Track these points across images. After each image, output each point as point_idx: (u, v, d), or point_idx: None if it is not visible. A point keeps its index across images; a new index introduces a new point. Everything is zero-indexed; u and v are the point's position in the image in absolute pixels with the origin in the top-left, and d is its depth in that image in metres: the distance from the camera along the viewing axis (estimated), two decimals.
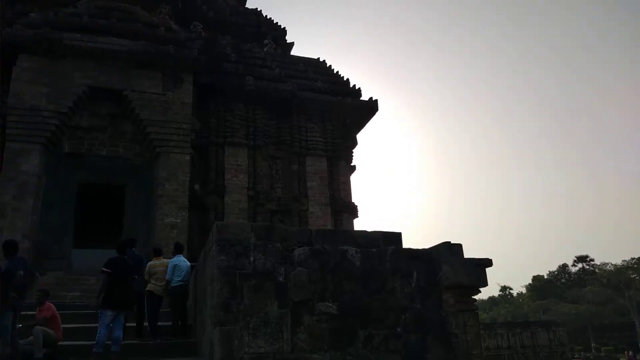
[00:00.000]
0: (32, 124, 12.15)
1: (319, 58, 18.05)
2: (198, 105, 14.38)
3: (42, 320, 6.96)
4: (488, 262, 6.04)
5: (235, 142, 14.60)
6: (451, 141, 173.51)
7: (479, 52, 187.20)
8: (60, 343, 6.94)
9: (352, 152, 16.73)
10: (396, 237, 6.34)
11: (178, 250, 8.23)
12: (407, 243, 6.49)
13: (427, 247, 6.14)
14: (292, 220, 14.73)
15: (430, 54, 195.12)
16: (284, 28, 18.91)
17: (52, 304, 7.27)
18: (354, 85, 16.61)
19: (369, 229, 6.32)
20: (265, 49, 17.26)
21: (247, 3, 20.77)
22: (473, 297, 6.10)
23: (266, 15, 19.39)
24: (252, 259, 5.40)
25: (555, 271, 61.20)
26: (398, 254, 5.92)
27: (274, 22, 19.01)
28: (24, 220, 11.62)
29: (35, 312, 7.23)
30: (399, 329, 5.57)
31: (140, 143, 13.30)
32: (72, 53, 12.70)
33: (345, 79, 16.98)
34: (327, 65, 17.72)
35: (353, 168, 16.85)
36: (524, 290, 66.16)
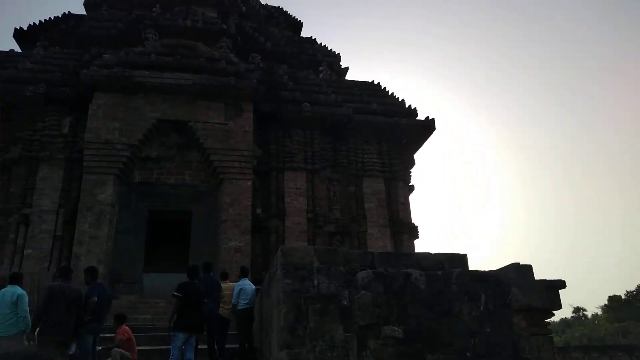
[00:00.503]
0: (107, 156, 13.04)
1: (373, 81, 18.21)
2: (258, 132, 14.88)
3: (119, 343, 7.36)
4: (561, 284, 5.81)
5: (294, 166, 14.90)
6: (517, 152, 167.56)
7: (554, 52, 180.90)
8: None
9: (410, 172, 16.61)
10: (461, 258, 6.24)
11: (243, 273, 8.47)
12: (472, 265, 6.37)
13: (494, 268, 5.99)
14: (351, 241, 14.73)
15: (494, 57, 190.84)
16: (338, 54, 19.30)
17: (127, 327, 7.67)
18: (410, 106, 16.59)
19: (431, 251, 6.26)
20: (320, 76, 17.66)
21: (302, 32, 21.43)
22: (546, 320, 5.86)
23: (320, 43, 19.91)
24: (316, 282, 5.49)
25: (633, 291, 56.92)
26: (464, 277, 5.81)
27: (329, 49, 19.46)
28: (99, 247, 12.36)
29: (113, 335, 7.65)
30: (468, 354, 5.44)
31: (205, 170, 13.91)
32: (143, 89, 13.61)
33: (400, 99, 17.01)
34: (382, 88, 17.83)
35: (412, 188, 16.70)
36: (599, 312, 61.87)
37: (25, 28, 16.91)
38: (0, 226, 12.92)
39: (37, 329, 6.16)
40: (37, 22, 17.32)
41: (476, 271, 5.95)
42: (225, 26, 17.00)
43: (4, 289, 6.68)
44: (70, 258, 12.16)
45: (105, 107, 13.41)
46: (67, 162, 13.47)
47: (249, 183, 13.68)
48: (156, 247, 14.72)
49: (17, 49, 16.71)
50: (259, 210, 14.21)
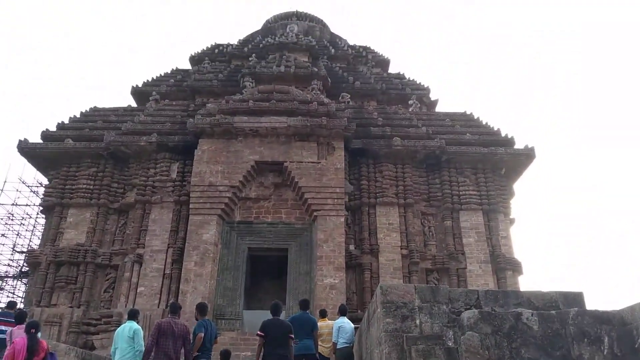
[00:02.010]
0: (211, 198, 13.91)
1: (465, 111, 17.82)
2: (349, 168, 15.10)
3: None
4: None
5: (386, 201, 14.79)
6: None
7: None
8: None
9: (510, 204, 15.77)
10: (577, 297, 5.76)
11: (342, 312, 8.43)
12: (589, 304, 5.84)
13: (617, 308, 5.43)
14: (450, 279, 14.15)
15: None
16: (427, 87, 19.20)
17: None
18: (506, 135, 15.94)
19: (538, 289, 5.86)
20: (410, 109, 17.64)
21: (390, 68, 21.66)
22: None
23: (409, 77, 19.97)
24: (418, 321, 5.33)
25: None
26: (583, 317, 5.32)
27: (417, 82, 19.45)
28: (204, 284, 13.02)
29: None
30: None
31: (300, 208, 14.30)
32: (242, 133, 14.54)
33: (495, 128, 16.42)
34: (475, 117, 17.37)
35: (512, 221, 15.82)
36: None
37: (139, 85, 18.84)
38: (117, 265, 14.16)
39: None
40: (149, 79, 19.26)
41: (596, 311, 5.43)
42: (315, 69, 17.72)
43: (123, 325, 7.27)
44: (178, 295, 12.94)
45: (209, 152, 14.42)
46: (175, 205, 14.55)
47: (342, 219, 13.82)
48: (255, 284, 15.22)
49: (134, 104, 18.63)
50: (352, 247, 14.24)
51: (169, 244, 14.03)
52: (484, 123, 16.99)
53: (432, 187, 15.46)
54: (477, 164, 15.48)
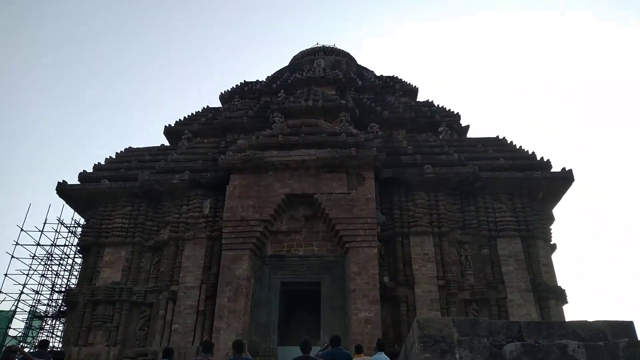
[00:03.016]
0: (242, 232, 13.94)
1: (497, 136, 17.50)
2: (381, 199, 14.90)
3: None
4: None
5: (420, 230, 14.47)
6: None
7: None
8: None
9: (550, 229, 15.19)
10: (626, 327, 5.39)
11: (380, 347, 8.20)
12: None
13: None
14: (490, 310, 13.58)
15: None
16: (458, 113, 19.01)
17: None
18: (542, 158, 15.51)
19: (585, 318, 5.51)
20: (440, 137, 17.46)
21: (418, 96, 21.63)
22: None
23: (438, 105, 19.86)
24: (457, 356, 5.09)
25: None
26: (635, 348, 4.96)
27: (447, 109, 19.30)
28: (237, 320, 12.89)
29: None
30: None
31: (331, 240, 14.15)
32: (272, 167, 14.66)
33: (530, 152, 16.01)
34: (508, 142, 17.02)
35: (554, 247, 15.20)
36: None
37: (172, 125, 19.38)
38: (152, 303, 14.24)
39: None
40: (181, 119, 19.80)
41: None
42: (343, 101, 17.87)
43: None
44: (212, 332, 12.85)
45: (240, 187, 14.56)
46: (208, 241, 14.65)
47: (375, 250, 13.55)
48: (289, 319, 15.00)
49: (166, 143, 19.13)
50: (386, 279, 13.88)
51: (202, 280, 14.04)
52: (517, 147, 16.62)
53: (467, 214, 15.06)
54: (512, 190, 15.06)
